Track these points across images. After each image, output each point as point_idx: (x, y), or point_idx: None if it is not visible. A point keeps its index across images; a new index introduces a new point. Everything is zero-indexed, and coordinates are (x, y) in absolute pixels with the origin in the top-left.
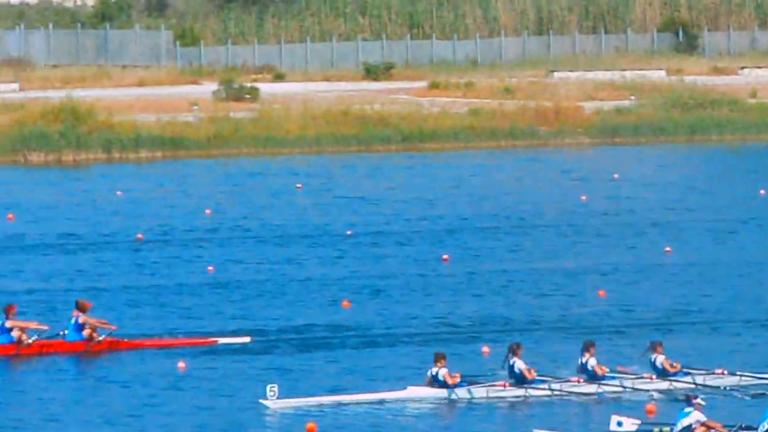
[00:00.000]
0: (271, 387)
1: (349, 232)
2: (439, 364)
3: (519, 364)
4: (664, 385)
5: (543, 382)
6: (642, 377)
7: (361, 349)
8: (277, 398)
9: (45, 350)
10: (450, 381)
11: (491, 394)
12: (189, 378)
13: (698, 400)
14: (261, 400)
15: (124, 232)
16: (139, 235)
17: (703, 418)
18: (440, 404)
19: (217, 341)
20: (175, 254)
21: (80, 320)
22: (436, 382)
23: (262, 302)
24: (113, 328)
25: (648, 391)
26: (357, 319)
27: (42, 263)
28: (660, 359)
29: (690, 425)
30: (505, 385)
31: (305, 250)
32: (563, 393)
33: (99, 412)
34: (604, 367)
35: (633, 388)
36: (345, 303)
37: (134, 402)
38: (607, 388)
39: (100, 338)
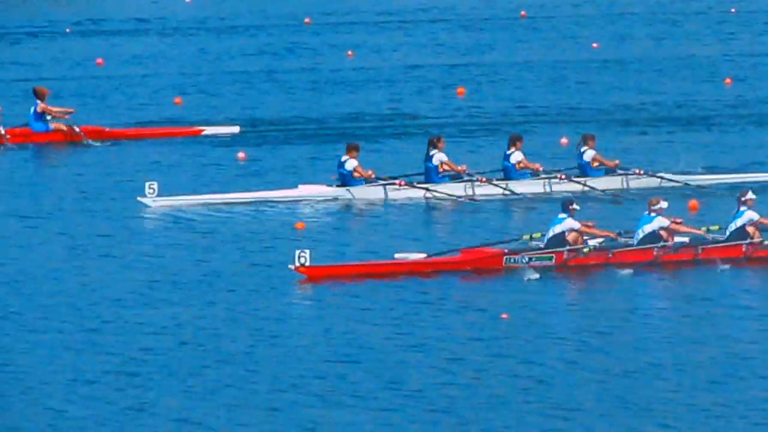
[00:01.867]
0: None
1: None
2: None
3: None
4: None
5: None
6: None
7: None
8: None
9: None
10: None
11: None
12: None
13: (574, 206)
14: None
15: None
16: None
17: (576, 225)
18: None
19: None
20: None
21: (38, 109)
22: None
23: None
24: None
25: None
26: None
27: None
28: (590, 154)
29: (563, 232)
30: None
31: None
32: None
33: None
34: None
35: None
36: None
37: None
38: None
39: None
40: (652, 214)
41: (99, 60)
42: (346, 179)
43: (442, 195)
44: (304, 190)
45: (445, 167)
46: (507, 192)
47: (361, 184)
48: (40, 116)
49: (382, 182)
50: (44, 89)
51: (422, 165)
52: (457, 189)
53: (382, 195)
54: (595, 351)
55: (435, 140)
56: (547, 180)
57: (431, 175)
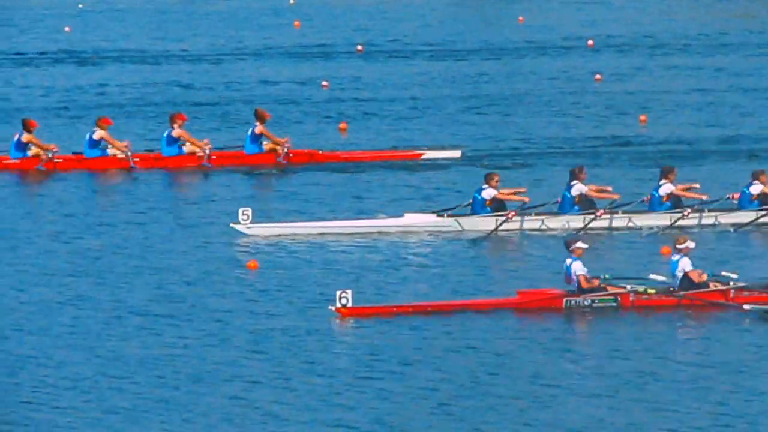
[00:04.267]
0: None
1: None
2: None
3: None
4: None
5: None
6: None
7: None
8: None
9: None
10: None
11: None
12: None
13: (578, 245)
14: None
15: None
16: None
17: (581, 270)
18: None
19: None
20: None
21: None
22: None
23: None
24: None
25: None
26: None
27: None
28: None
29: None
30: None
31: None
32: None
33: None
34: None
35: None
36: None
37: None
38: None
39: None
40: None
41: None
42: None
43: (557, 226)
44: (409, 220)
45: (582, 198)
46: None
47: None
48: (257, 138)
49: (495, 213)
50: (266, 112)
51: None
52: (576, 221)
53: (492, 226)
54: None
55: (577, 171)
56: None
57: (566, 205)
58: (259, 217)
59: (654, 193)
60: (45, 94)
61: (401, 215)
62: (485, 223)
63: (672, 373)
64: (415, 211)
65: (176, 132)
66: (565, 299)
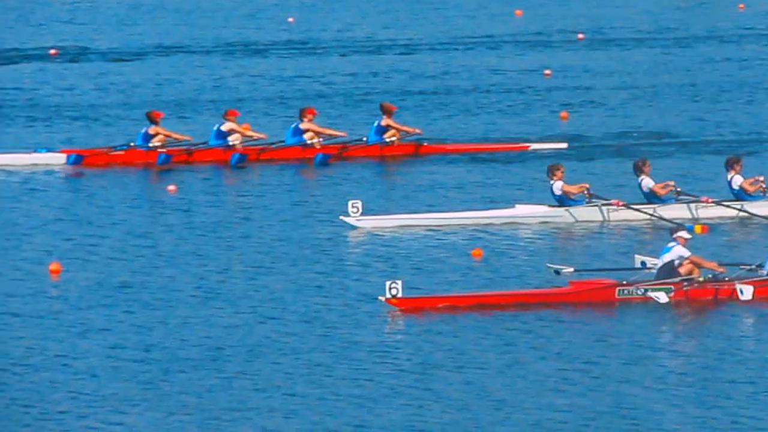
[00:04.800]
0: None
1: None
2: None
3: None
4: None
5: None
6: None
7: None
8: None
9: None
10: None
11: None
12: None
13: (681, 234)
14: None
15: None
16: None
17: (686, 253)
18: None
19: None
20: None
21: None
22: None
23: None
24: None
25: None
26: None
27: None
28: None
29: (672, 261)
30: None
31: None
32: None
33: None
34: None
35: None
36: None
37: None
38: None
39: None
40: None
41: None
42: (562, 200)
43: (666, 216)
44: (520, 211)
45: (656, 190)
46: (743, 213)
47: (582, 203)
48: (382, 131)
49: (602, 202)
50: (392, 105)
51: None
52: (681, 211)
53: (600, 216)
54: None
55: (640, 164)
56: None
57: (650, 196)
58: (372, 209)
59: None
60: (273, 84)
61: (512, 206)
62: (590, 213)
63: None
64: (526, 203)
65: (304, 125)
66: (617, 289)
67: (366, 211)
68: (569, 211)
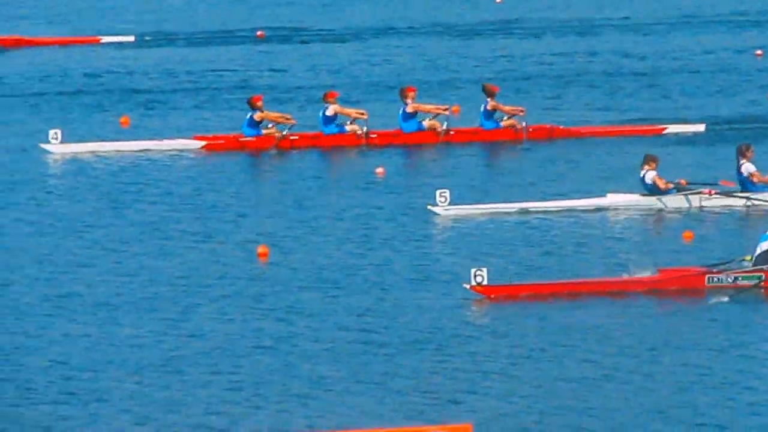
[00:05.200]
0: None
1: None
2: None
3: (748, 167)
4: None
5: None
6: None
7: None
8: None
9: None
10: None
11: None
12: None
13: None
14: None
15: None
16: None
17: None
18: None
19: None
20: None
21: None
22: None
23: None
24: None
25: None
26: None
27: None
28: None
29: None
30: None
31: None
32: None
33: None
34: None
35: None
36: None
37: None
38: None
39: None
40: None
41: None
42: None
43: (760, 203)
44: (612, 199)
45: (755, 178)
46: None
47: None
48: (491, 114)
49: (693, 191)
50: (494, 87)
51: None
52: None
53: (691, 204)
54: None
55: (744, 148)
56: None
57: (746, 184)
58: (463, 197)
59: None
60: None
61: (603, 195)
62: (680, 202)
63: None
64: (618, 191)
65: (411, 107)
66: (707, 276)
67: (455, 199)
68: (660, 200)
